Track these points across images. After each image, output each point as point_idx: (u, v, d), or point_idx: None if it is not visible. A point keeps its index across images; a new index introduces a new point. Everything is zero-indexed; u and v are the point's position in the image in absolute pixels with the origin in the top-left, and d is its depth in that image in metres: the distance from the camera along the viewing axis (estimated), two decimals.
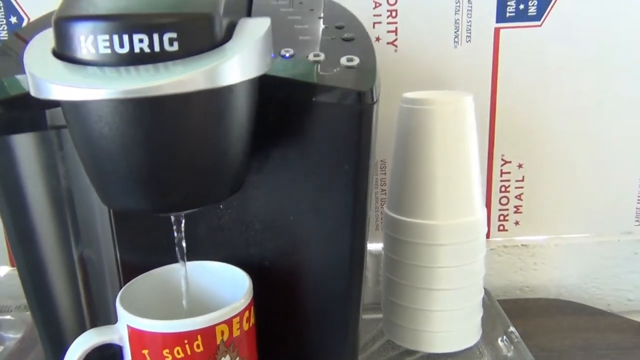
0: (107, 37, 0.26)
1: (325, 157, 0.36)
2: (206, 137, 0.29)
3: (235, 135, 0.31)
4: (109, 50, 0.26)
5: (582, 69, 0.59)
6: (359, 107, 0.34)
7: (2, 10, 0.57)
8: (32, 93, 0.27)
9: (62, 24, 0.27)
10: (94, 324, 0.40)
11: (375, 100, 0.35)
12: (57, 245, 0.38)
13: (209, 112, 0.29)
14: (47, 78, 0.26)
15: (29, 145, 0.36)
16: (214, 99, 0.29)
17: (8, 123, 0.35)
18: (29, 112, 0.35)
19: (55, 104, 0.35)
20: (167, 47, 0.26)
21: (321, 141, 0.36)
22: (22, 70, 0.34)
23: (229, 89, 0.29)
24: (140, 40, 0.26)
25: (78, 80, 0.26)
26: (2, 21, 0.58)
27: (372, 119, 0.35)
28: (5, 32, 0.58)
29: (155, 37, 0.26)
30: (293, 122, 0.36)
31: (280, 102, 0.35)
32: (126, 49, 0.26)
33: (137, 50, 0.26)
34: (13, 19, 0.58)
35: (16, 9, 0.57)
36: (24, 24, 0.58)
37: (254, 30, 0.30)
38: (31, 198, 0.37)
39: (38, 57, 0.28)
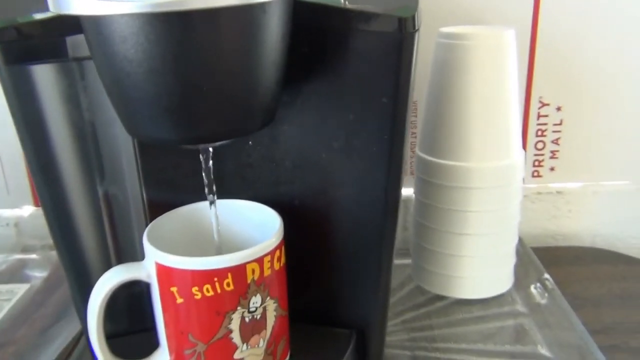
0: None
1: (361, 90, 0.34)
2: (238, 61, 0.27)
3: (268, 61, 0.28)
4: None
5: (633, 4, 0.55)
6: (400, 35, 0.32)
7: None
8: (51, 8, 0.25)
9: None
10: (120, 262, 0.39)
11: (417, 28, 0.32)
12: (82, 181, 0.36)
13: (241, 32, 0.26)
14: None
15: (49, 74, 0.34)
16: (246, 18, 0.26)
17: (26, 51, 0.33)
18: (49, 39, 0.33)
19: (75, 30, 0.33)
20: None
21: (358, 73, 0.33)
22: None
23: (262, 9, 0.26)
24: None
25: None
26: None
27: (414, 48, 0.32)
28: None
29: None
30: (328, 53, 0.34)
31: (314, 30, 0.33)
32: None
33: None
34: None
35: None
36: None
37: None
38: (53, 131, 0.35)
39: None
